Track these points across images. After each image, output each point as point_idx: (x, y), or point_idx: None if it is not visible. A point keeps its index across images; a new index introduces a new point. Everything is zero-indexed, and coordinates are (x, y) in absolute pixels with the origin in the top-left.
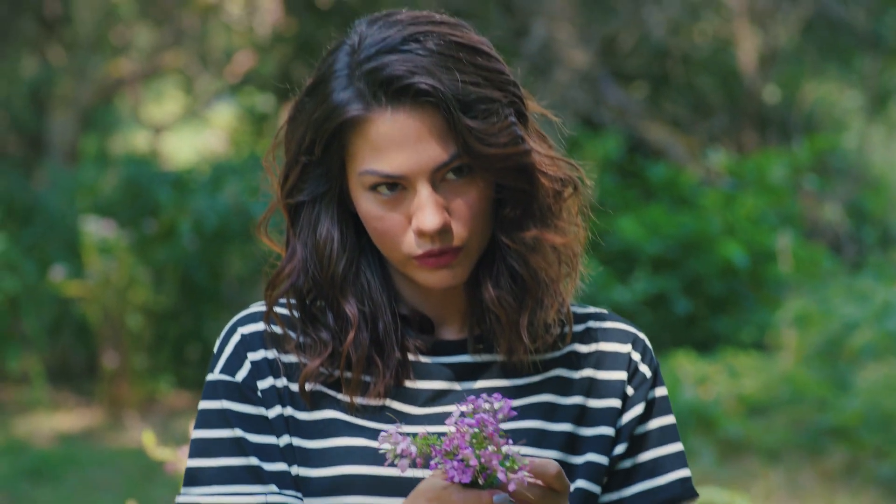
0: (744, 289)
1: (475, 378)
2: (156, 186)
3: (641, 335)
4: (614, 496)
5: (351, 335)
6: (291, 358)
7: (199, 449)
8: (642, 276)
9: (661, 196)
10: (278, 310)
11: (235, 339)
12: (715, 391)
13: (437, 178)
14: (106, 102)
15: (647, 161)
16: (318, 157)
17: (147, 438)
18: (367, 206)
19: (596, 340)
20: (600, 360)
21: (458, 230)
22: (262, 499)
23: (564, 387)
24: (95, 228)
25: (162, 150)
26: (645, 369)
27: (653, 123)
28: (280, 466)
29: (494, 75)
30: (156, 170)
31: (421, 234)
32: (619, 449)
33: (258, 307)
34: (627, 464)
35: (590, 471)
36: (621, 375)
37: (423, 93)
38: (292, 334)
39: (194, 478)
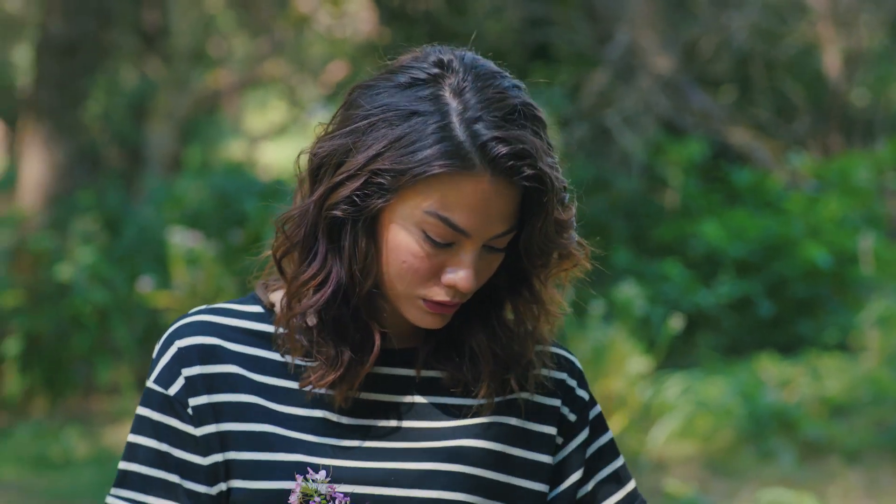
0: (827, 291)
1: (423, 393)
2: (243, 197)
3: (574, 359)
4: None
5: (375, 351)
6: (231, 368)
7: (129, 453)
8: (726, 279)
9: (746, 200)
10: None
11: (172, 351)
12: (798, 393)
13: (490, 241)
14: (207, 113)
15: (732, 165)
16: (387, 182)
17: None
18: (409, 241)
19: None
20: (537, 386)
21: (475, 287)
22: None
23: (509, 408)
24: (182, 239)
25: (258, 160)
26: (582, 393)
27: (737, 128)
28: (199, 487)
29: (555, 152)
30: (245, 180)
31: (452, 288)
32: (576, 476)
33: (197, 316)
34: (589, 486)
35: (525, 497)
36: (555, 402)
37: (531, 178)
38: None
39: (122, 480)
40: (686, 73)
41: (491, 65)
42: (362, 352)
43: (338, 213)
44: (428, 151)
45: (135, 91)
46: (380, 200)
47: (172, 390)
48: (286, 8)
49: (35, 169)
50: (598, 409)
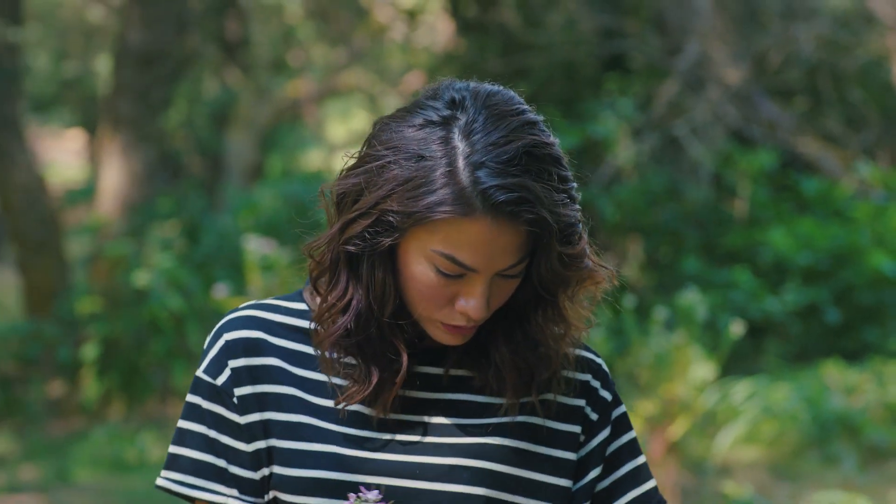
0: (893, 299)
1: (452, 391)
2: (316, 204)
3: (599, 360)
4: None
5: (403, 367)
6: (273, 361)
7: (179, 438)
8: (794, 286)
9: (815, 209)
10: (281, 318)
11: (220, 343)
12: (863, 399)
13: (498, 274)
14: (288, 122)
15: (801, 175)
16: (396, 221)
17: None
18: (422, 272)
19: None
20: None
21: (488, 314)
22: (222, 499)
23: (534, 408)
24: (257, 246)
25: (336, 168)
26: (605, 394)
27: (806, 138)
28: (244, 472)
29: (571, 187)
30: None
31: (464, 316)
32: (595, 472)
33: (245, 311)
34: (607, 482)
35: (551, 492)
36: (580, 402)
37: (531, 222)
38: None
39: (172, 463)
40: (755, 83)
41: (505, 101)
42: (390, 371)
43: (351, 247)
44: (432, 197)
45: (216, 100)
46: (389, 239)
47: (220, 380)
48: (364, 18)
49: (113, 177)
50: (621, 409)
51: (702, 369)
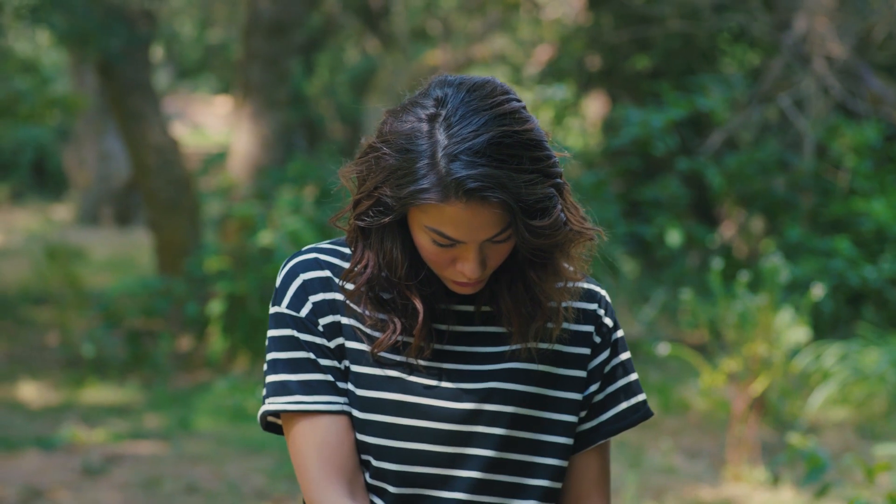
0: None
1: (483, 324)
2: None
3: (603, 292)
4: (596, 421)
5: (420, 320)
6: (340, 296)
7: (278, 367)
8: (891, 256)
9: None
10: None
11: (297, 283)
12: None
13: (484, 242)
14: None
15: None
16: (391, 203)
17: None
18: (423, 242)
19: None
20: (574, 314)
21: (487, 272)
22: (339, 407)
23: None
24: None
25: None
26: (608, 321)
27: None
28: (343, 385)
29: (547, 166)
30: None
31: (462, 275)
32: (594, 386)
33: (312, 254)
34: (601, 396)
35: (568, 405)
36: (589, 328)
37: (496, 202)
38: (363, 306)
39: (277, 390)
40: (860, 58)
41: (483, 96)
42: (412, 318)
43: (361, 223)
44: (417, 185)
45: (357, 69)
46: (387, 218)
47: (303, 312)
48: None
49: (244, 142)
50: (619, 332)
51: (795, 332)
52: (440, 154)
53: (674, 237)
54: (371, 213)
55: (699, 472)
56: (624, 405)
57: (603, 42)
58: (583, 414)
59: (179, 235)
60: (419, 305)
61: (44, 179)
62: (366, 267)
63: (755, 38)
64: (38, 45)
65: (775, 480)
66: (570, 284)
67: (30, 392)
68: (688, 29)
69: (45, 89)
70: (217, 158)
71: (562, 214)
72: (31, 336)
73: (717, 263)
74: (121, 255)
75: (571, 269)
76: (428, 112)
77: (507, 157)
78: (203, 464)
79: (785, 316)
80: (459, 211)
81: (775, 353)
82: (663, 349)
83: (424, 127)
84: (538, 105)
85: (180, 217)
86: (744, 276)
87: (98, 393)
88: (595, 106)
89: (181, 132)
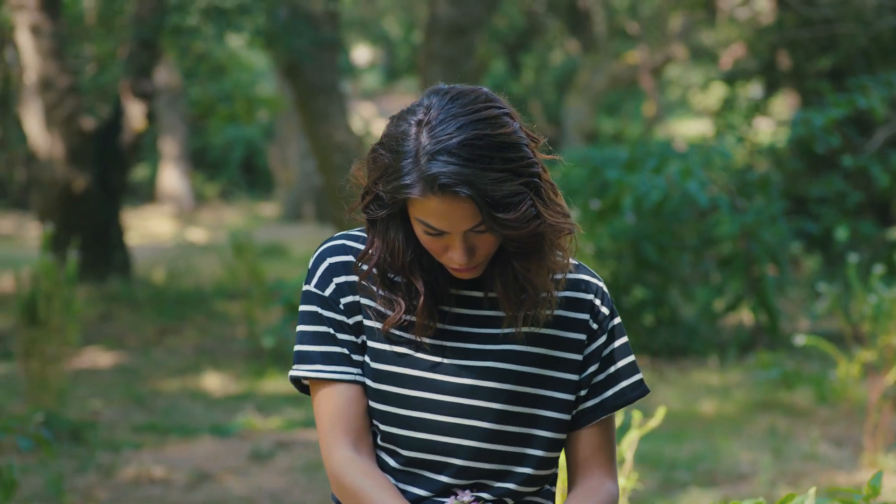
0: None
1: (490, 308)
2: (609, 167)
3: (600, 283)
4: (598, 398)
5: (421, 301)
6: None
7: (305, 338)
8: None
9: None
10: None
11: (324, 266)
12: None
13: (467, 233)
14: (627, 88)
15: None
16: (385, 199)
17: None
18: (419, 232)
19: (568, 289)
20: (570, 303)
21: (477, 259)
22: (352, 377)
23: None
24: None
25: (677, 133)
26: (604, 309)
27: None
28: (360, 358)
29: (520, 166)
30: (611, 152)
31: (452, 262)
32: (593, 368)
33: (339, 240)
34: (601, 376)
35: (564, 384)
36: (585, 316)
37: (464, 197)
38: (376, 287)
39: (302, 359)
40: None
41: (465, 103)
42: (415, 298)
43: (366, 214)
44: (399, 182)
45: (560, 68)
46: (384, 211)
47: (328, 292)
48: None
49: None
50: (616, 320)
51: None
52: (422, 153)
53: (841, 234)
54: (372, 207)
55: (840, 460)
56: (623, 384)
57: (790, 41)
58: (583, 393)
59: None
60: (420, 287)
61: (253, 177)
62: (374, 252)
63: None
64: (229, 47)
65: None
66: (559, 275)
67: (213, 382)
68: (862, 31)
69: (248, 90)
70: None
71: (532, 209)
72: (221, 329)
73: (852, 258)
74: None
75: (562, 260)
76: (417, 118)
77: (478, 156)
78: None
79: None
80: (437, 204)
81: None
82: (799, 340)
83: (412, 130)
84: (729, 103)
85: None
86: (878, 269)
87: (276, 383)
88: (784, 104)
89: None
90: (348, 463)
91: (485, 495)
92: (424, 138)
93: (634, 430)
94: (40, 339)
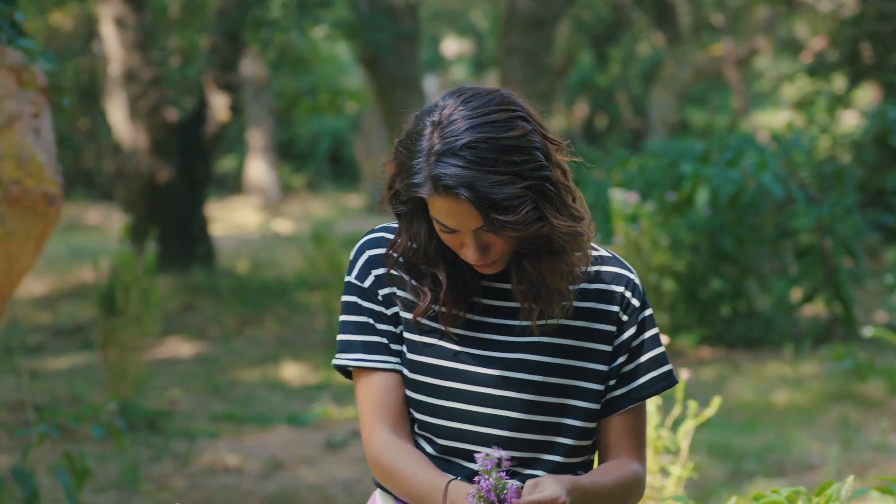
0: None
1: (514, 317)
2: (684, 160)
3: (632, 276)
4: (627, 388)
5: (443, 291)
6: (397, 272)
7: (347, 328)
8: None
9: None
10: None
11: (364, 258)
12: None
13: (478, 231)
14: (711, 80)
15: None
16: (403, 194)
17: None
18: (436, 227)
19: (600, 281)
20: (601, 295)
21: (493, 256)
22: (391, 366)
23: (577, 313)
24: (622, 198)
25: (752, 125)
26: (635, 301)
27: None
28: (398, 347)
29: (525, 169)
30: (686, 145)
31: (467, 258)
32: (622, 359)
33: (379, 233)
34: (630, 367)
35: (593, 374)
36: (615, 308)
37: (464, 198)
38: (406, 276)
39: (345, 348)
40: None
41: (478, 106)
42: (440, 288)
43: (391, 208)
44: (411, 180)
45: (646, 61)
46: (404, 207)
47: (366, 283)
48: None
49: None
50: (647, 311)
51: None
52: (432, 153)
53: None
54: (394, 201)
55: None
56: (652, 374)
57: (871, 34)
58: (612, 382)
59: None
60: (442, 278)
61: (339, 169)
62: (401, 243)
63: None
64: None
65: None
66: (577, 270)
67: (291, 372)
68: None
69: (333, 83)
70: None
71: (533, 212)
72: (301, 320)
73: None
74: None
75: (578, 262)
76: (432, 118)
77: (481, 159)
78: None
79: None
80: (444, 203)
81: None
82: (867, 332)
83: (427, 130)
84: (811, 95)
85: None
86: None
87: None
88: (867, 96)
89: None
90: (387, 444)
91: (516, 482)
92: (436, 138)
93: (689, 420)
94: (118, 328)
